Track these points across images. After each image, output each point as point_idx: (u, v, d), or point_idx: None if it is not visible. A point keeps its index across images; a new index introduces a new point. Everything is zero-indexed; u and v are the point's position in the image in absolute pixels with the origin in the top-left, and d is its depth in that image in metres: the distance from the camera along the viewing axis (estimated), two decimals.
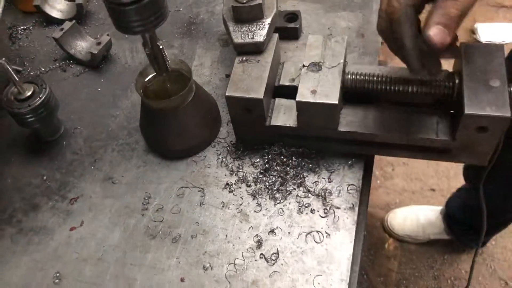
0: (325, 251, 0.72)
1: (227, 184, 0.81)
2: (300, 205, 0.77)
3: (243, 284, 0.71)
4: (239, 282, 0.71)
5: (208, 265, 0.73)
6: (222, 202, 0.79)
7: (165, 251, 0.76)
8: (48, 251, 0.78)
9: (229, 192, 0.80)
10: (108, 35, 1.02)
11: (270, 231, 0.75)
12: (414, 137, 0.74)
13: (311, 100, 0.72)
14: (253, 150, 0.84)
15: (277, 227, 0.75)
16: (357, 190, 0.78)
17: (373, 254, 1.92)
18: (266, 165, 0.81)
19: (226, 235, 0.76)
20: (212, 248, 0.75)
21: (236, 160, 0.84)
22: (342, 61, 0.75)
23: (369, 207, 2.00)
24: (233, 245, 0.75)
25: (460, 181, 1.68)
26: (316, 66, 0.75)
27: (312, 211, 0.76)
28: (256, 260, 0.73)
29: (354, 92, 0.76)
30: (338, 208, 0.76)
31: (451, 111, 0.75)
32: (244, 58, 0.79)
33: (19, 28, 1.14)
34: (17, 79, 0.82)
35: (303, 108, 0.74)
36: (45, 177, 0.87)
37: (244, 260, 0.73)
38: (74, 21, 1.04)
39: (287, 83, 0.82)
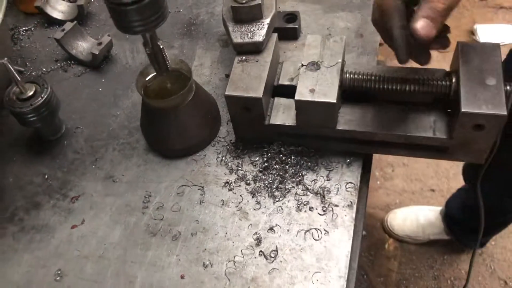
0: (323, 248, 0.73)
1: (227, 182, 0.82)
2: (299, 203, 0.78)
3: (243, 281, 0.71)
4: (238, 279, 0.72)
5: (208, 262, 0.74)
6: (222, 200, 0.80)
7: (166, 248, 0.76)
8: (50, 248, 0.79)
9: (229, 190, 0.81)
10: (109, 35, 1.03)
11: (269, 229, 0.76)
12: (412, 136, 0.75)
13: (310, 99, 0.73)
14: (252, 149, 0.85)
15: (276, 225, 0.76)
16: (355, 188, 0.78)
17: (373, 254, 1.92)
18: (265, 164, 0.82)
19: (226, 233, 0.77)
20: (212, 245, 0.76)
21: (235, 158, 0.85)
22: (340, 60, 0.76)
23: (369, 208, 2.02)
24: (233, 242, 0.75)
25: (459, 182, 1.69)
26: (314, 66, 0.76)
27: (311, 209, 0.77)
28: (255, 257, 0.73)
29: (352, 91, 0.77)
30: (336, 206, 0.77)
31: (448, 110, 0.76)
32: (244, 57, 0.80)
33: (20, 29, 1.15)
34: (19, 79, 0.82)
35: (302, 107, 0.74)
36: (46, 176, 0.88)
37: (243, 257, 0.74)
38: (75, 22, 1.05)
39: (286, 83, 0.83)
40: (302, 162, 0.81)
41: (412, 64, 0.71)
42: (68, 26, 1.03)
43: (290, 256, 0.73)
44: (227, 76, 0.97)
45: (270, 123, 0.80)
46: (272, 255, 0.73)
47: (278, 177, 0.80)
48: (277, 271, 0.72)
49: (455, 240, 1.83)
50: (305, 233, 0.75)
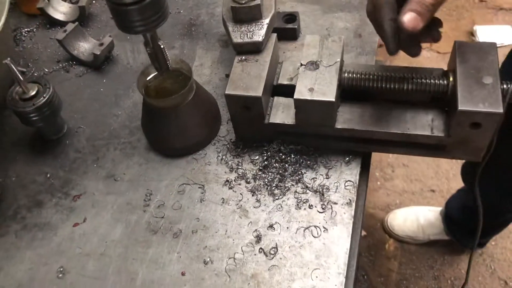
0: (322, 245, 0.74)
1: (227, 180, 0.83)
2: (298, 200, 0.79)
3: (243, 277, 0.72)
4: (238, 275, 0.73)
5: (208, 259, 0.75)
6: (222, 198, 0.81)
7: (166, 246, 0.77)
8: (52, 246, 0.80)
9: (229, 188, 0.82)
10: (110, 36, 1.04)
11: (269, 226, 0.77)
12: (410, 134, 0.75)
13: (309, 98, 0.73)
14: (252, 147, 0.86)
15: (276, 222, 0.77)
16: (354, 186, 0.79)
17: (373, 254, 1.93)
18: (265, 162, 0.83)
19: (226, 230, 0.77)
20: (212, 243, 0.76)
21: (235, 157, 0.85)
22: (339, 59, 0.77)
23: (370, 208, 2.02)
24: (233, 240, 0.76)
25: (459, 182, 1.69)
26: (313, 65, 0.77)
27: (310, 206, 0.78)
28: (255, 254, 0.74)
29: (351, 90, 0.78)
30: (335, 203, 0.78)
31: (446, 109, 0.76)
32: (243, 57, 0.81)
33: (23, 30, 1.16)
34: (22, 79, 0.83)
35: (301, 106, 0.75)
36: (49, 175, 0.89)
37: (243, 255, 0.74)
38: (77, 23, 1.06)
39: (285, 82, 0.83)
40: (301, 160, 0.82)
41: (411, 63, 0.73)
42: (69, 27, 1.04)
43: (289, 253, 0.74)
44: (227, 76, 0.98)
45: (269, 122, 0.80)
46: (272, 252, 0.74)
47: (278, 176, 0.81)
48: (276, 267, 0.73)
49: (455, 240, 1.83)
50: (304, 230, 0.76)
